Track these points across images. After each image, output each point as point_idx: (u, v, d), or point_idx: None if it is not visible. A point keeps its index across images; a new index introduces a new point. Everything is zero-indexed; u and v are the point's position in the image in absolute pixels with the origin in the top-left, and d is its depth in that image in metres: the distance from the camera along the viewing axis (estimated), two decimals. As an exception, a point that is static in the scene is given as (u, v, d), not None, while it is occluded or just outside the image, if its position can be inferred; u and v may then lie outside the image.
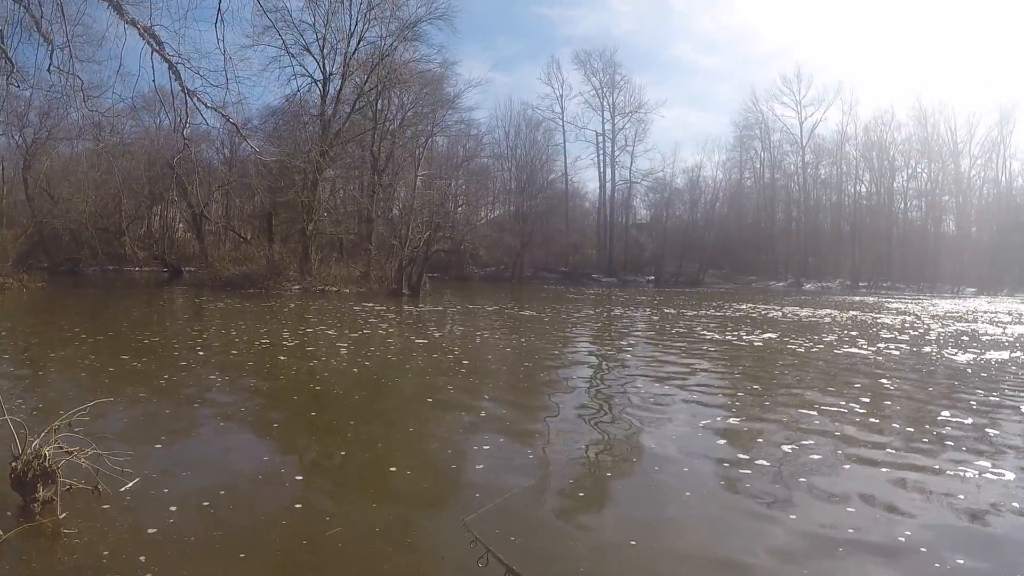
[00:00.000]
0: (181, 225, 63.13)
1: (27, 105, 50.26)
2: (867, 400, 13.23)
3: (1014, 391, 14.40)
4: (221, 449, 9.25)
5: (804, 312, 38.05)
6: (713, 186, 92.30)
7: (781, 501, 7.47)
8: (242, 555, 6.04)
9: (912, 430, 10.78)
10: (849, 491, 7.73)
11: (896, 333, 26.56)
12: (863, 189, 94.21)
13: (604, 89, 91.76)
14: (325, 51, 50.67)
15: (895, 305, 46.91)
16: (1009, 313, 41.75)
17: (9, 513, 6.42)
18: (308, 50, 50.75)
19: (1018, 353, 20.96)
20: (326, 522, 6.70)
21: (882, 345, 22.32)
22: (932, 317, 35.64)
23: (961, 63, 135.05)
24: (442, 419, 11.45)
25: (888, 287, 76.13)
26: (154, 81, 14.26)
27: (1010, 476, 8.41)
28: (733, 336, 24.59)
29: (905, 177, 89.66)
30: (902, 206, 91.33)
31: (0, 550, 5.83)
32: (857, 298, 56.63)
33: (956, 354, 20.36)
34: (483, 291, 54.39)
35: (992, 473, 8.48)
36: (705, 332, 25.84)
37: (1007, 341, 24.53)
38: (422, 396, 13.12)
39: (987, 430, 10.82)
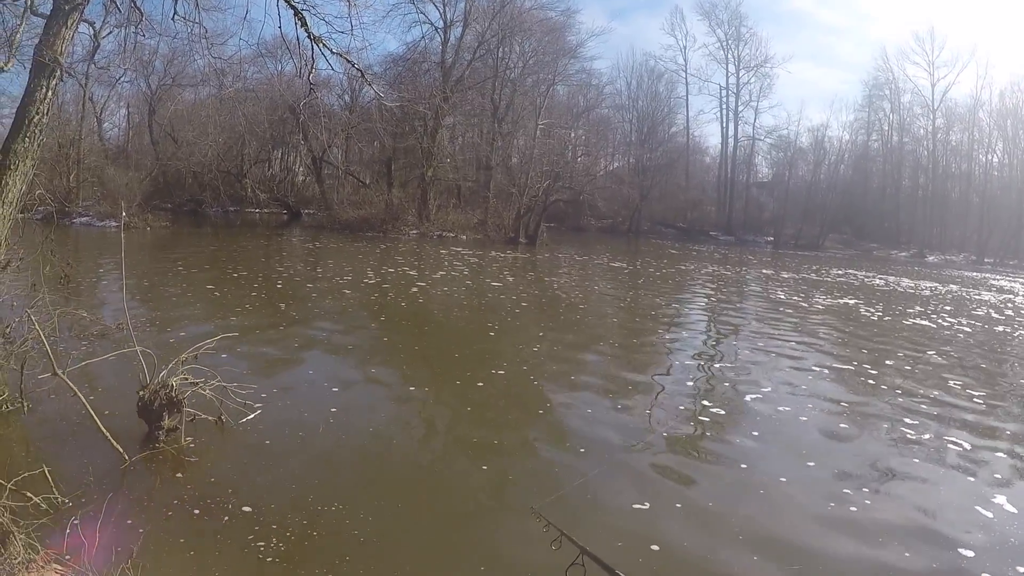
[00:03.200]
0: (301, 169, 64.02)
1: (153, 53, 51.36)
2: (884, 364, 13.86)
3: None
4: (334, 384, 9.47)
5: (906, 282, 37.06)
6: (838, 147, 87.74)
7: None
8: (359, 488, 6.20)
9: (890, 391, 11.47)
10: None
11: (989, 310, 25.74)
12: (995, 159, 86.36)
13: (729, 41, 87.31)
14: (447, -2, 50.42)
15: (1006, 283, 44.48)
16: None
17: (134, 439, 6.63)
18: (429, -3, 50.54)
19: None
20: (420, 459, 7.07)
21: (955, 320, 21.76)
22: None
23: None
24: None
25: (1015, 264, 70.49)
26: (280, 27, 14.30)
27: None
28: (800, 298, 24.80)
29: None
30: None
31: (125, 474, 6.01)
32: (975, 273, 53.69)
33: None
34: (599, 243, 53.93)
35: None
36: (778, 294, 26.11)
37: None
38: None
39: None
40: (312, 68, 16.89)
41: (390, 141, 51.15)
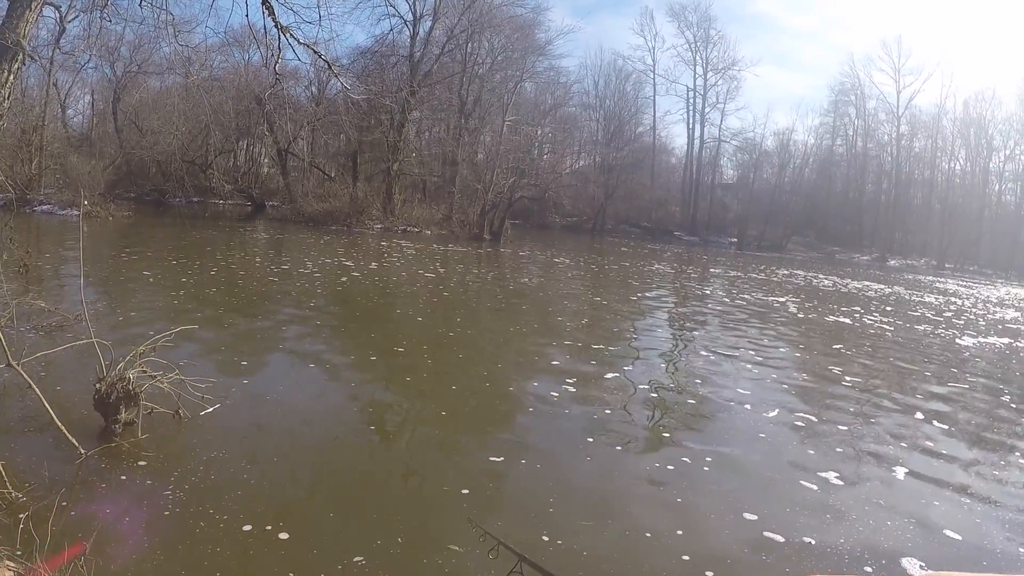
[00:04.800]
0: (266, 160, 63.62)
1: (119, 39, 50.82)
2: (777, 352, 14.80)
3: (944, 376, 14.05)
4: (310, 386, 9.44)
5: (853, 284, 37.73)
6: (803, 151, 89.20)
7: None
8: (313, 480, 6.30)
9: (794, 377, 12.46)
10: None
11: (925, 311, 26.36)
12: (957, 167, 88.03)
13: (698, 43, 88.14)
14: (416, -8, 50.19)
15: (952, 287, 45.54)
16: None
17: (91, 433, 6.57)
18: (399, -10, 50.32)
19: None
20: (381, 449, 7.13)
21: (879, 318, 22.51)
22: (982, 302, 34.45)
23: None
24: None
25: (975, 271, 72.08)
26: (247, 16, 14.23)
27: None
28: (725, 294, 26.04)
29: (1002, 158, 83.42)
30: (996, 188, 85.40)
31: (80, 468, 5.95)
32: (930, 278, 54.86)
33: (956, 336, 20.02)
34: (561, 240, 54.31)
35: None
36: (718, 292, 26.99)
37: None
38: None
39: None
40: (279, 58, 16.76)
41: (356, 134, 50.97)
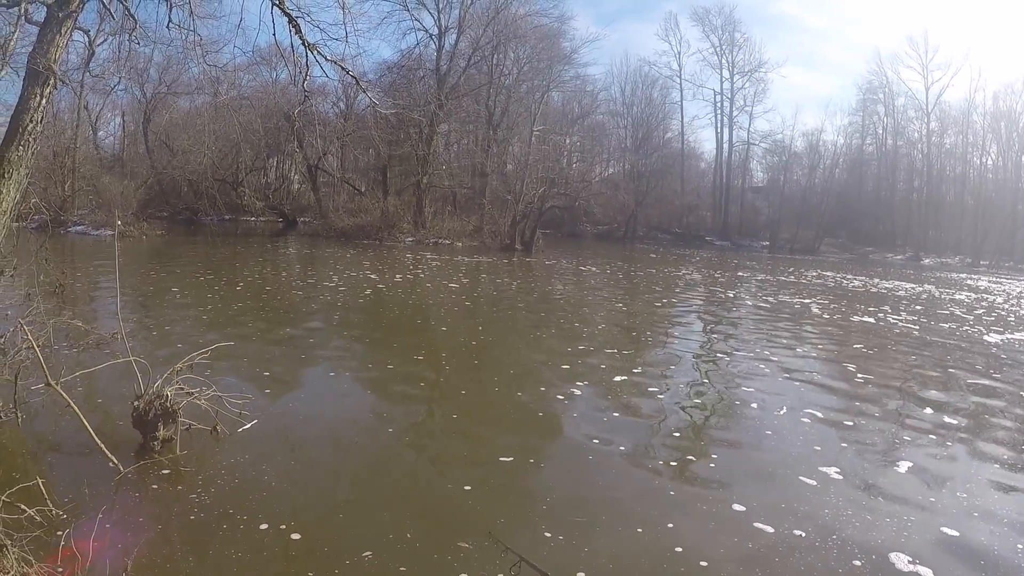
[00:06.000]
0: (297, 176, 63.95)
1: (148, 61, 51.68)
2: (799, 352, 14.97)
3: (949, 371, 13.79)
4: (331, 394, 9.56)
5: (884, 284, 37.03)
6: (833, 151, 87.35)
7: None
8: (353, 503, 6.25)
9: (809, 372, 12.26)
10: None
11: (953, 308, 25.91)
12: (989, 161, 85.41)
13: (723, 47, 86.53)
14: (441, 5, 50.49)
15: (985, 283, 44.24)
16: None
17: (129, 450, 6.61)
18: (424, 4, 50.53)
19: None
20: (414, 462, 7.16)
21: (905, 317, 22.19)
22: (1014, 298, 33.50)
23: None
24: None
25: (1011, 266, 69.11)
26: (274, 35, 14.29)
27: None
28: (749, 296, 26.21)
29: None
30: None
31: (119, 485, 5.98)
32: (962, 275, 53.03)
33: (983, 333, 19.54)
34: (592, 249, 53.99)
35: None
36: (742, 295, 26.88)
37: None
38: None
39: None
40: (307, 75, 16.84)
41: (385, 148, 51.15)
